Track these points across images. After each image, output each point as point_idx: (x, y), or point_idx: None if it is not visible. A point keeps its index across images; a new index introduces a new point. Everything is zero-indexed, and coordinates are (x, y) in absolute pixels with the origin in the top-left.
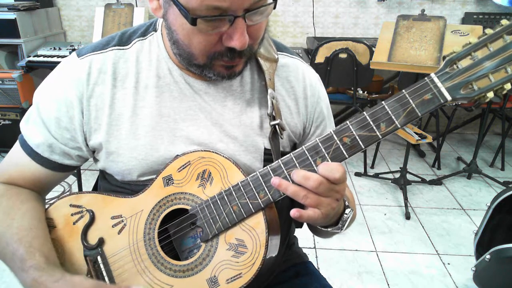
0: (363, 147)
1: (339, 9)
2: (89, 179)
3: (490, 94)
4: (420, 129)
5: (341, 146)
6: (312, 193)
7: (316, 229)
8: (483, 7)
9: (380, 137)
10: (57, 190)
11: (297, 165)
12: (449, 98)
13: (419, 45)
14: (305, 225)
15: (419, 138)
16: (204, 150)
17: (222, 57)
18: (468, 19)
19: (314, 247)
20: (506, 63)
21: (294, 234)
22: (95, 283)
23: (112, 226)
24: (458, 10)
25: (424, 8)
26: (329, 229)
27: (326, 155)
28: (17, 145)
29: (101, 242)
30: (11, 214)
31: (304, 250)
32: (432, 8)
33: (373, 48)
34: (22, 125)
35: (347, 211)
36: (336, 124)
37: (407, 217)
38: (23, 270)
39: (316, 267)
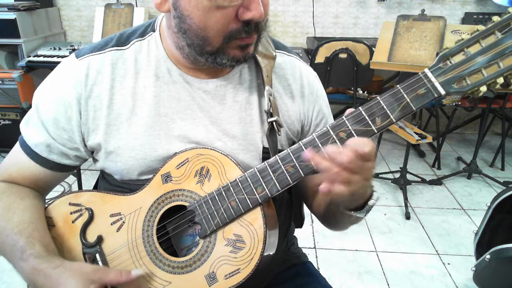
0: None
1: (339, 9)
2: (89, 179)
3: (483, 88)
4: (420, 129)
5: (337, 141)
6: (343, 170)
7: (334, 218)
8: (483, 7)
9: (376, 131)
10: (57, 190)
11: (294, 160)
12: (442, 92)
13: (419, 45)
14: (305, 225)
15: (419, 138)
16: (202, 147)
17: (239, 34)
18: (468, 19)
19: (314, 247)
20: (498, 58)
21: (294, 234)
22: (95, 267)
23: (111, 224)
24: (458, 10)
25: (424, 8)
26: (352, 213)
27: (322, 150)
28: (17, 145)
29: (99, 239)
30: (11, 209)
31: (304, 250)
32: (432, 8)
33: (373, 48)
34: (22, 126)
35: (374, 197)
36: None
37: (407, 217)
38: (22, 259)
39: (316, 267)
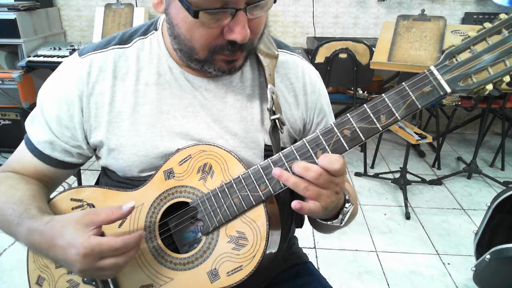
0: (363, 139)
1: (339, 9)
2: (89, 179)
3: (489, 87)
4: (420, 129)
5: (341, 138)
6: (312, 185)
7: (316, 223)
8: (483, 7)
9: (381, 129)
10: (56, 190)
11: (297, 157)
12: (448, 90)
13: (419, 45)
14: (305, 225)
15: (419, 138)
16: (205, 144)
17: (223, 50)
18: (468, 19)
19: (314, 247)
20: (505, 56)
21: (294, 234)
22: (84, 211)
23: None
24: (458, 10)
25: (424, 8)
26: (328, 223)
27: (326, 147)
28: (22, 144)
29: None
30: (15, 187)
31: (304, 250)
32: (432, 8)
33: (373, 48)
34: (27, 124)
35: (347, 205)
36: None
37: (407, 217)
38: (19, 224)
39: (316, 267)
